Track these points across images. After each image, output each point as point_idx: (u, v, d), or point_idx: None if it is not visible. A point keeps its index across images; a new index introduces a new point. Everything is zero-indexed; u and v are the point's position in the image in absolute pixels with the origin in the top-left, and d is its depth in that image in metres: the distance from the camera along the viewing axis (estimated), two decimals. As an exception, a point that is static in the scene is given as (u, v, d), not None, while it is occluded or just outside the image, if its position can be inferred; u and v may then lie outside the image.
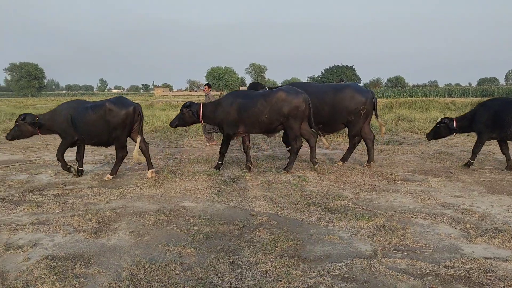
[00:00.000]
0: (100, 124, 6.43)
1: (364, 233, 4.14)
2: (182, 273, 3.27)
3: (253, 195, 5.64)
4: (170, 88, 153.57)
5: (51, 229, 4.34)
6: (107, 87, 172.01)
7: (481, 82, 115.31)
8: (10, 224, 4.52)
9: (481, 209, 4.94)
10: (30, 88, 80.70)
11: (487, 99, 7.84)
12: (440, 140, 11.49)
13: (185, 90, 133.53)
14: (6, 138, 6.90)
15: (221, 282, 3.11)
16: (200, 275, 3.23)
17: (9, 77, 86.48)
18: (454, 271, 3.25)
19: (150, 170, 6.84)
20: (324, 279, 3.12)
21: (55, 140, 12.11)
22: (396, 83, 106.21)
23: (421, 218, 4.63)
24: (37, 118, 6.69)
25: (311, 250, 3.74)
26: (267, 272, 3.27)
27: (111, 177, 6.76)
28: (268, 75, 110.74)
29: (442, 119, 8.10)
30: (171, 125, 7.52)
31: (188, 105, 7.34)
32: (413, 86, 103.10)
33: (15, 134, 6.79)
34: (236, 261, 3.48)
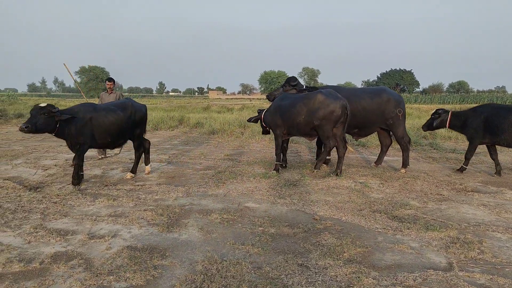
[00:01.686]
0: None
1: (436, 244, 3.97)
2: (252, 271, 3.36)
3: (315, 199, 5.63)
4: (224, 91, 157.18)
5: (128, 221, 4.66)
6: (165, 90, 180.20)
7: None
8: (91, 215, 4.91)
9: None
10: (97, 90, 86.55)
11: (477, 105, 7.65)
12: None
13: (238, 93, 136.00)
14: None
15: (292, 283, 3.16)
16: (270, 274, 3.30)
17: (78, 80, 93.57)
18: (542, 291, 3.02)
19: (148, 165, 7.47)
20: (397, 288, 3.05)
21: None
22: (459, 88, 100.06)
23: (498, 232, 4.35)
24: None
25: (381, 258, 3.66)
26: (337, 277, 3.26)
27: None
28: (321, 79, 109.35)
29: (437, 109, 7.97)
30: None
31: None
32: (478, 91, 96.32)
33: None
34: (305, 263, 3.51)
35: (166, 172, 7.58)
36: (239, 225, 4.59)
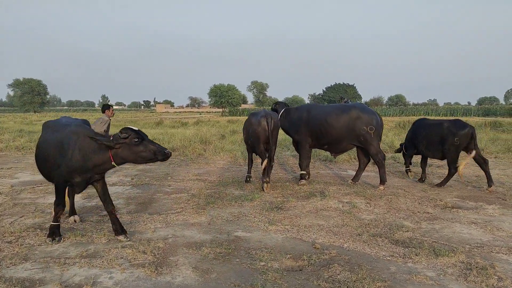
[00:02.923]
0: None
1: (452, 272, 3.78)
2: (273, 321, 2.90)
3: (308, 224, 5.28)
4: (171, 104, 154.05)
5: (105, 263, 3.97)
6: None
7: (481, 101, 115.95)
8: (58, 257, 4.14)
9: (561, 243, 4.60)
10: (32, 104, 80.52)
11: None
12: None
13: (186, 106, 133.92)
14: None
15: (323, 334, 2.74)
16: (295, 324, 2.86)
17: (11, 93, 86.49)
18: None
19: None
20: (440, 331, 2.76)
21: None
22: (397, 101, 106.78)
23: (502, 253, 4.28)
24: None
25: (404, 292, 3.38)
26: (369, 321, 2.90)
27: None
28: (270, 93, 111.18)
29: (400, 144, 9.35)
30: None
31: None
32: (414, 104, 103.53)
33: None
34: (328, 306, 3.12)
35: (134, 198, 6.84)
36: (237, 260, 4.10)
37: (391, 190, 7.39)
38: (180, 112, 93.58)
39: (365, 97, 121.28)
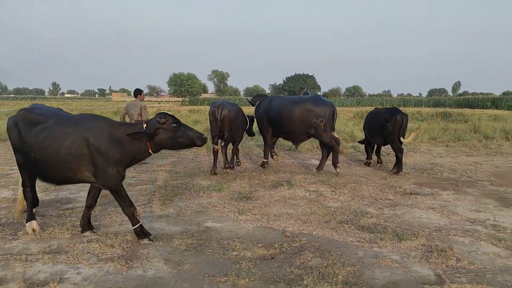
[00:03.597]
0: None
1: (415, 255, 4.00)
2: (250, 310, 2.93)
3: (277, 213, 5.36)
4: (128, 93, 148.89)
5: (71, 259, 3.81)
6: (60, 91, 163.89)
7: (431, 92, 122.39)
8: (18, 253, 3.92)
9: (508, 224, 5.00)
10: (-26, 91, 74.75)
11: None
12: (424, 150, 11.93)
13: (145, 95, 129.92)
14: None
15: (300, 319, 2.81)
16: (272, 311, 2.91)
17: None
18: (530, 295, 3.17)
19: None
20: (408, 311, 2.92)
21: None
22: (354, 92, 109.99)
23: (458, 236, 4.59)
24: None
25: (373, 276, 3.53)
26: (342, 305, 3.02)
27: None
28: (230, 82, 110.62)
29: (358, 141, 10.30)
30: None
31: None
32: (370, 95, 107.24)
33: None
34: (303, 292, 3.19)
35: (96, 190, 6.57)
36: (209, 250, 4.08)
37: (353, 179, 7.65)
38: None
39: (324, 88, 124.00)
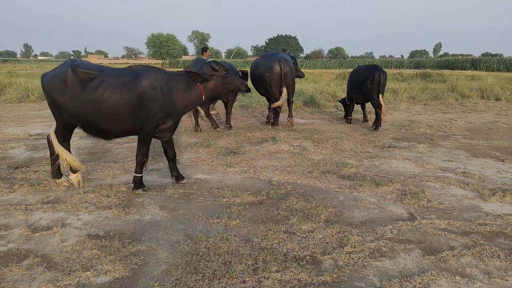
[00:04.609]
0: None
1: (390, 198, 4.37)
2: (243, 244, 3.24)
3: (263, 165, 5.64)
4: (105, 55, 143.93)
5: (70, 207, 4.01)
6: (32, 53, 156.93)
7: (413, 54, 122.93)
8: (17, 204, 4.09)
9: (476, 171, 5.43)
10: None
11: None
12: (403, 108, 12.33)
13: (122, 57, 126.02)
14: None
15: (287, 250, 3.14)
16: (262, 245, 3.22)
17: None
18: (489, 227, 3.59)
19: None
20: (383, 242, 3.28)
21: (6, 112, 11.07)
22: (337, 54, 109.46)
23: (431, 181, 4.98)
24: None
25: (352, 215, 3.88)
26: (325, 238, 3.36)
27: None
28: (212, 44, 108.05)
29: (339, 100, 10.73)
30: None
31: None
32: (352, 57, 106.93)
33: None
34: (289, 230, 3.51)
35: (84, 148, 6.70)
36: (201, 198, 4.35)
37: (335, 134, 7.97)
38: (115, 63, 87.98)
39: (307, 50, 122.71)
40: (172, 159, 4.86)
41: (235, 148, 6.65)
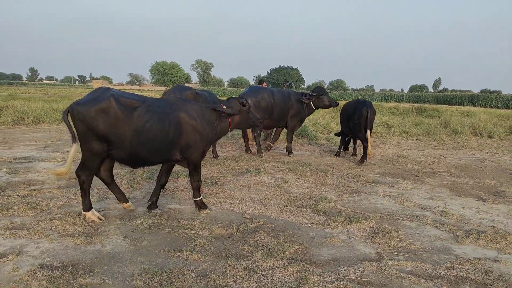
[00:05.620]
0: None
1: (362, 236, 4.28)
2: (198, 280, 3.14)
3: (241, 197, 5.57)
4: (110, 81, 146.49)
5: (32, 234, 3.93)
6: (38, 77, 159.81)
7: (412, 88, 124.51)
8: (-21, 229, 4.01)
9: (455, 211, 5.34)
10: None
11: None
12: (394, 143, 12.33)
13: (126, 83, 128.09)
14: None
15: (243, 289, 3.04)
16: (218, 282, 3.12)
17: None
18: (456, 272, 3.48)
19: None
20: (343, 283, 3.18)
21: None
22: (338, 86, 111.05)
23: (407, 220, 4.89)
24: None
25: (318, 253, 3.78)
26: (284, 277, 3.25)
27: None
28: (214, 73, 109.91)
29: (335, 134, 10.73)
30: None
31: None
32: (353, 90, 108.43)
33: None
34: (250, 266, 3.41)
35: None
36: (169, 229, 4.27)
37: (321, 167, 7.93)
38: (119, 89, 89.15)
39: (308, 81, 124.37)
40: (162, 185, 5.00)
41: (216, 178, 6.60)
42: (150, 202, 4.88)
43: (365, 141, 8.38)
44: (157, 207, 4.88)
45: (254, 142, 9.23)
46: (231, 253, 3.68)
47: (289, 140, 9.36)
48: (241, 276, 3.24)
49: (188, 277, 3.17)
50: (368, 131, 8.38)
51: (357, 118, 8.40)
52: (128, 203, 4.83)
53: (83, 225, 4.23)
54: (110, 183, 4.77)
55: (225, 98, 5.80)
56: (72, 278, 3.09)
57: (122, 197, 4.80)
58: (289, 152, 9.24)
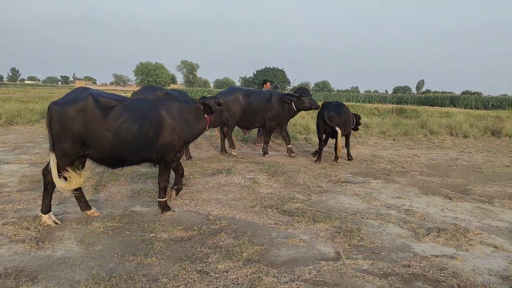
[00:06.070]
0: None
1: (324, 235, 4.25)
2: (147, 285, 3.05)
3: (207, 198, 5.49)
4: (93, 81, 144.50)
5: (-19, 240, 3.77)
6: (20, 77, 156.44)
7: (396, 90, 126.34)
8: None
9: (420, 209, 5.37)
10: None
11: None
12: (371, 143, 12.42)
13: (110, 84, 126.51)
14: None
15: (193, 292, 2.96)
16: (168, 286, 3.04)
17: None
18: (412, 269, 3.48)
19: None
20: (296, 284, 3.14)
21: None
22: (323, 87, 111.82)
23: (371, 219, 4.89)
24: None
25: (277, 254, 3.74)
26: (238, 279, 3.19)
27: None
28: (200, 74, 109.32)
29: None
30: None
31: None
32: (338, 91, 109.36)
33: None
34: (204, 269, 3.35)
35: (29, 176, 6.46)
36: (127, 233, 4.16)
37: (294, 168, 7.90)
38: (103, 90, 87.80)
39: (294, 82, 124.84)
40: (181, 174, 5.29)
41: (185, 179, 6.49)
42: (175, 187, 5.25)
43: (320, 142, 8.66)
44: (182, 188, 5.38)
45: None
46: (187, 256, 3.60)
47: (266, 141, 9.32)
48: (193, 279, 3.16)
49: (137, 281, 3.08)
50: (339, 132, 8.31)
51: (318, 120, 8.57)
52: (91, 210, 4.68)
53: (36, 230, 4.09)
54: (78, 188, 4.61)
55: (198, 98, 5.74)
56: (16, 285, 2.97)
57: (84, 205, 4.65)
58: (265, 153, 9.21)
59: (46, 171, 4.28)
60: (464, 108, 50.50)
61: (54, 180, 4.11)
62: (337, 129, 8.24)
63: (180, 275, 3.21)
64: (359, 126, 9.55)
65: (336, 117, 8.41)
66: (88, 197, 5.34)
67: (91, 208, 4.67)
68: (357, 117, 9.34)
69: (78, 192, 4.52)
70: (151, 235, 4.11)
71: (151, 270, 3.31)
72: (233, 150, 9.03)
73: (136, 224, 4.40)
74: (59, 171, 4.19)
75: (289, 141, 9.45)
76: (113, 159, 4.45)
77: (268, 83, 12.31)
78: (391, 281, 3.23)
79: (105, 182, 6.11)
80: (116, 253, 3.61)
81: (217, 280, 3.16)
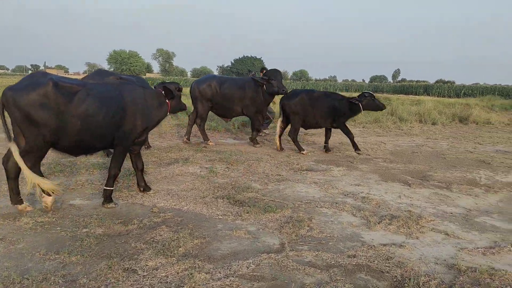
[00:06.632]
0: None
1: (272, 226, 4.04)
2: (64, 286, 2.75)
3: (157, 189, 5.18)
4: (65, 70, 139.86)
5: None
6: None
7: (373, 79, 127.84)
8: None
9: (377, 196, 5.24)
10: None
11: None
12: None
13: (84, 73, 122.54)
14: None
15: (113, 293, 2.68)
16: (86, 287, 2.75)
17: None
18: (357, 260, 3.30)
19: None
20: (230, 280, 2.90)
21: None
22: (301, 76, 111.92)
23: (325, 207, 4.71)
24: None
25: (218, 248, 3.49)
26: (167, 277, 2.93)
27: None
28: (176, 62, 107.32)
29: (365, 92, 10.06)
30: None
31: None
32: (316, 80, 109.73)
33: None
34: (132, 267, 3.06)
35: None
36: (58, 228, 3.82)
37: (257, 156, 7.67)
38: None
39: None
40: (140, 170, 4.99)
41: (138, 170, 6.14)
42: (141, 189, 4.99)
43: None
44: (150, 189, 5.07)
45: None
46: (117, 253, 3.31)
47: (253, 128, 8.96)
48: (116, 278, 2.88)
49: (52, 283, 2.77)
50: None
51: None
52: (23, 205, 4.31)
53: (-46, 227, 3.70)
54: (14, 178, 4.25)
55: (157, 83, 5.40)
56: None
57: (16, 199, 4.28)
58: (255, 142, 8.88)
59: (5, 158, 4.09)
60: (438, 96, 51.49)
61: (22, 166, 3.93)
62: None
63: (103, 275, 2.92)
64: None
65: (299, 107, 8.25)
66: (24, 190, 4.94)
67: (22, 203, 4.30)
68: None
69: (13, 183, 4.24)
70: (84, 230, 3.79)
71: (73, 269, 3.00)
72: (209, 142, 8.85)
73: (69, 219, 4.06)
74: (32, 164, 4.00)
75: (259, 130, 9.19)
76: (78, 146, 4.25)
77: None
78: (332, 274, 3.04)
79: (48, 174, 5.70)
80: (38, 252, 3.28)
81: (144, 279, 2.89)
